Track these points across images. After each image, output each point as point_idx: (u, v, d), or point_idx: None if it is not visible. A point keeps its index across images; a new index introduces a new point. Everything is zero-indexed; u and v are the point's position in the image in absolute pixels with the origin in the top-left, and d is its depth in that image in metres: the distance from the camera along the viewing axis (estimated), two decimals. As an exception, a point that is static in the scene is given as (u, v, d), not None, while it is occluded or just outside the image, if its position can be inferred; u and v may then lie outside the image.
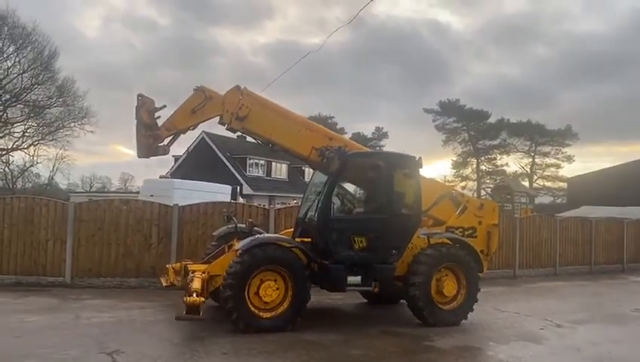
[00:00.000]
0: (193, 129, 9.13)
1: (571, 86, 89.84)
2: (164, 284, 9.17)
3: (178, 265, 9.33)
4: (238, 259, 7.75)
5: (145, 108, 8.65)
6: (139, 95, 8.71)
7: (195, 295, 7.37)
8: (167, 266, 9.57)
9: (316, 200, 8.74)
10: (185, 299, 7.27)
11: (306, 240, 8.53)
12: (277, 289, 7.89)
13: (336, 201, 8.81)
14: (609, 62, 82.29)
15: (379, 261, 8.46)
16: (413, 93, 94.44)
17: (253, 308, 7.75)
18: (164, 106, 8.87)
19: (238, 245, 8.13)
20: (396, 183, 8.72)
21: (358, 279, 8.37)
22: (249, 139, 9.76)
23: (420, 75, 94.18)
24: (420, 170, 9.01)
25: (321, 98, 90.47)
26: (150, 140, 8.66)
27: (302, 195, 10.25)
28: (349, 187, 9.70)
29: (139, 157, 8.87)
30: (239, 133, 9.48)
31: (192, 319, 7.17)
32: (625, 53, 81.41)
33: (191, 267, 8.81)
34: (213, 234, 10.07)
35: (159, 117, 8.81)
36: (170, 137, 8.94)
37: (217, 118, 9.12)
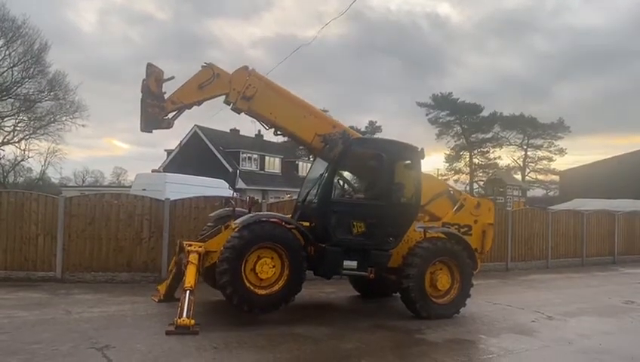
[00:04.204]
0: (199, 105, 9.00)
1: (569, 79, 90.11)
2: (156, 301, 9.26)
3: (164, 286, 9.48)
4: (236, 234, 7.77)
5: (154, 78, 8.56)
6: (148, 64, 8.61)
7: (187, 294, 7.36)
8: (157, 287, 9.75)
9: (317, 184, 8.78)
10: (175, 320, 7.22)
11: (304, 223, 8.55)
12: (273, 266, 7.94)
13: (337, 185, 8.90)
14: (607, 55, 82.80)
15: (375, 247, 8.51)
16: (409, 87, 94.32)
17: (248, 284, 7.78)
18: (173, 77, 8.79)
19: (237, 221, 8.14)
20: (397, 172, 8.77)
21: (354, 264, 8.43)
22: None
23: (418, 68, 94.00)
24: (422, 160, 9.08)
25: (317, 91, 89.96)
26: (156, 110, 8.54)
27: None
28: (351, 172, 9.73)
29: (142, 130, 8.73)
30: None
31: (183, 334, 7.06)
32: (623, 47, 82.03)
33: (187, 242, 8.75)
34: (210, 215, 10.02)
35: (165, 92, 8.72)
36: (175, 111, 8.85)
37: (220, 102, 9.10)
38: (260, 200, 12.53)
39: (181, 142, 40.40)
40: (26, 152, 41.40)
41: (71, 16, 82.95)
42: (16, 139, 40.11)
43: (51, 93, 39.58)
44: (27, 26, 36.83)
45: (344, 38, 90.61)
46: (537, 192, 65.72)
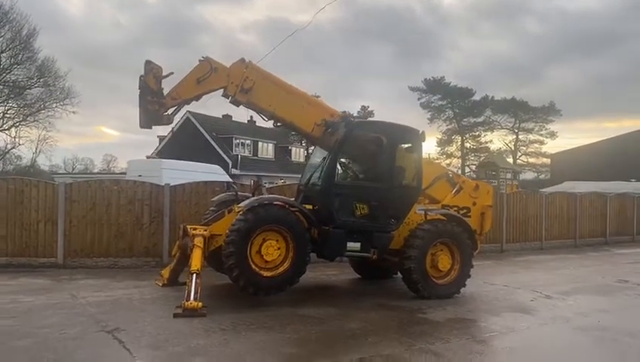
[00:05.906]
0: (197, 100, 9.05)
1: (561, 62, 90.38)
2: (160, 285, 9.28)
3: (168, 270, 9.43)
4: (241, 217, 7.86)
5: (152, 74, 8.54)
6: (147, 61, 8.60)
7: (194, 278, 7.45)
8: (161, 272, 9.71)
9: (320, 166, 8.88)
10: (183, 302, 7.30)
11: (307, 206, 8.64)
12: (278, 249, 8.05)
13: (340, 168, 9.03)
14: (599, 38, 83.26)
15: (378, 229, 8.64)
16: (402, 71, 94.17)
17: (254, 266, 7.88)
18: (172, 73, 8.78)
19: (243, 203, 8.24)
20: (399, 154, 8.88)
21: (357, 245, 8.57)
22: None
23: (411, 52, 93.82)
24: (423, 143, 9.20)
25: (310, 76, 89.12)
26: (155, 106, 8.55)
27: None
28: (353, 155, 9.82)
29: (142, 127, 8.73)
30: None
31: (191, 316, 7.16)
32: (615, 29, 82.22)
33: (191, 226, 8.81)
34: (213, 199, 10.08)
35: (163, 88, 8.73)
36: (175, 107, 8.88)
37: (216, 95, 9.10)
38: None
39: (173, 128, 40.03)
40: (17, 140, 41.12)
41: (59, 1, 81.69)
42: (5, 126, 39.82)
43: (41, 80, 39.27)
44: (15, 12, 36.43)
45: (337, 23, 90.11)
46: (528, 175, 66.36)
